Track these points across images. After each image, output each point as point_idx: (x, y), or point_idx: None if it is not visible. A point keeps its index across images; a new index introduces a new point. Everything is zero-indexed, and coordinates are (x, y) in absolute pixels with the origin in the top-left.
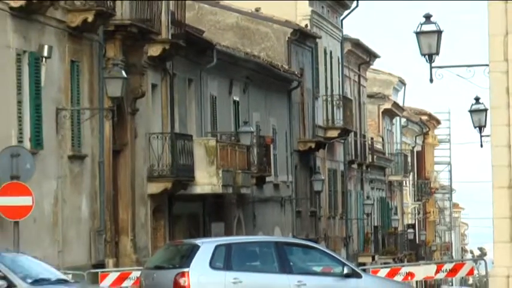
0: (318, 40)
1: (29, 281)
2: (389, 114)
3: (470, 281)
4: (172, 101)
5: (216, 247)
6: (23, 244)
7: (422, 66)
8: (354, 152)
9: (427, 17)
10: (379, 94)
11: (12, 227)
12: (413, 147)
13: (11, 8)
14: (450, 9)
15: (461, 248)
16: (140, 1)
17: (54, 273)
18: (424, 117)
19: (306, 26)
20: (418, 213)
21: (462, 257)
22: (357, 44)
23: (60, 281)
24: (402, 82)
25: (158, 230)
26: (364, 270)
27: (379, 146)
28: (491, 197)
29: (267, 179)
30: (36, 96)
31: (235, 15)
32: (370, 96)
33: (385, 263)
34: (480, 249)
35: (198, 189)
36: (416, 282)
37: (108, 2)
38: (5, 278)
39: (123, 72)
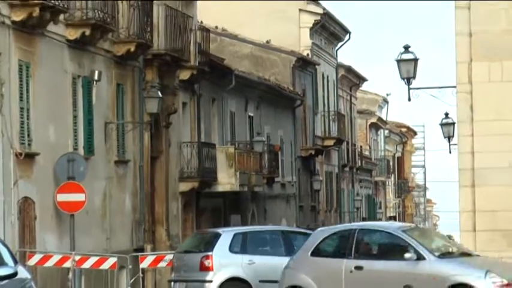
0: (317, 66)
1: (437, 254)
2: (375, 127)
3: None
4: (199, 116)
5: (234, 235)
6: (77, 232)
7: (402, 88)
8: (346, 157)
9: (406, 48)
10: (367, 110)
11: (69, 219)
12: (394, 154)
13: (68, 40)
14: (426, 41)
15: None
16: (173, 34)
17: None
18: (403, 129)
19: (308, 55)
20: (398, 207)
21: None
22: (348, 69)
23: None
24: (385, 100)
25: (187, 221)
26: None
27: (366, 153)
28: (458, 194)
29: (276, 179)
30: (88, 112)
31: (250, 46)
32: (359, 112)
33: None
34: (449, 236)
35: (220, 188)
36: None
37: (147, 35)
38: (414, 250)
39: (159, 93)
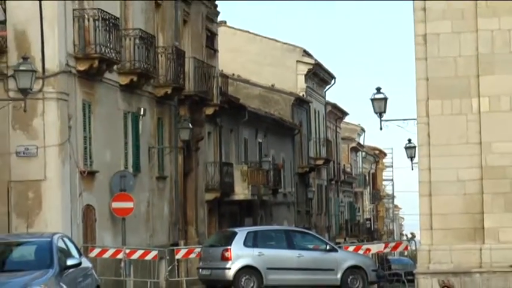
0: (310, 104)
1: None
2: (354, 150)
3: (406, 254)
4: (220, 142)
5: (247, 233)
6: (127, 231)
7: (375, 119)
8: (332, 173)
9: (378, 89)
10: (348, 137)
11: (121, 221)
12: (369, 170)
13: (120, 85)
14: (394, 83)
15: (400, 233)
16: (200, 80)
17: None
18: (376, 151)
19: (303, 95)
20: (373, 211)
21: (400, 239)
22: (334, 106)
23: None
24: (363, 129)
25: (211, 223)
26: (339, 247)
27: (348, 170)
28: (418, 201)
29: (279, 190)
30: (136, 139)
31: (259, 88)
32: (342, 138)
33: (352, 242)
34: (412, 233)
35: (236, 197)
36: (372, 254)
37: (180, 80)
38: None
39: (190, 124)
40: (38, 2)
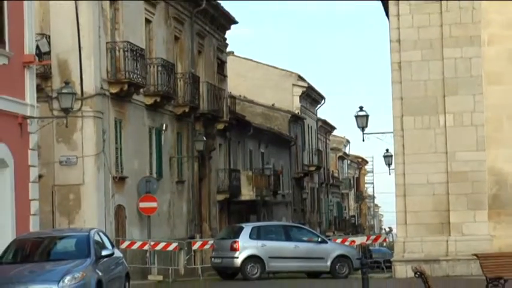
0: (304, 120)
1: None
2: (341, 158)
3: (384, 245)
4: (229, 152)
5: (252, 228)
6: (152, 227)
7: (358, 133)
8: (323, 177)
9: (361, 108)
10: (336, 148)
11: (147, 218)
12: (354, 175)
13: (146, 105)
14: (375, 101)
15: (379, 227)
16: (212, 100)
17: None
18: (359, 159)
19: (298, 113)
20: (357, 209)
21: (380, 232)
22: (324, 122)
23: None
24: (348, 141)
25: (222, 219)
26: (329, 239)
27: (336, 175)
28: (395, 200)
29: (278, 192)
30: (159, 150)
31: (261, 107)
32: (331, 149)
33: (339, 235)
34: (389, 228)
35: (243, 198)
36: (356, 245)
37: (196, 101)
38: None
39: (204, 137)
40: (77, 34)
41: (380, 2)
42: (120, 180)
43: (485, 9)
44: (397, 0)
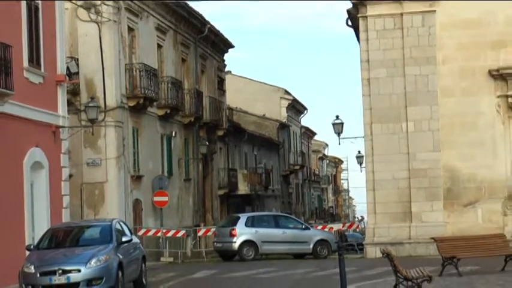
0: (290, 127)
1: None
2: (321, 159)
3: (357, 231)
4: (228, 155)
5: (248, 217)
6: (164, 217)
7: (335, 137)
8: (306, 175)
9: (337, 116)
10: (317, 150)
11: (160, 210)
12: (332, 173)
13: (158, 115)
14: (350, 110)
15: (353, 216)
16: (214, 111)
17: None
18: (336, 160)
19: (285, 121)
20: (334, 201)
21: (353, 220)
22: (307, 129)
23: None
24: (326, 144)
25: (222, 210)
26: (311, 226)
27: (317, 173)
28: (366, 194)
29: (269, 187)
30: (169, 153)
31: (254, 117)
32: (313, 151)
33: (320, 223)
34: (361, 216)
35: (239, 192)
36: (334, 231)
37: (200, 112)
38: None
39: (207, 142)
40: (100, 57)
41: (352, 29)
42: (137, 178)
43: (439, 34)
44: (365, 31)
